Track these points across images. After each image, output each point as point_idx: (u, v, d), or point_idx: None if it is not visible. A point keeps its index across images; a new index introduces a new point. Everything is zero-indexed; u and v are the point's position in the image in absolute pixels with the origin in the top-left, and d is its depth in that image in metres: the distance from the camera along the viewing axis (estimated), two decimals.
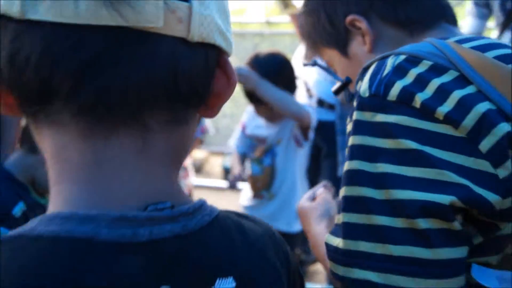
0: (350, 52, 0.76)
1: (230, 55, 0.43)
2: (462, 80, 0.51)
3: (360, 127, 0.54)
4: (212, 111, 0.43)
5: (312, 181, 2.09)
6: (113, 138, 0.36)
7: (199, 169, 4.07)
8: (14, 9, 0.32)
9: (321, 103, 2.27)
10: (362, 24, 0.72)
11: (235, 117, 4.26)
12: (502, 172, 0.48)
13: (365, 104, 0.54)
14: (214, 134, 4.29)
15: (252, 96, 1.75)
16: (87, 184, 0.37)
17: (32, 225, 0.35)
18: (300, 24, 0.85)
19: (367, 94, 0.54)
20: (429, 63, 0.53)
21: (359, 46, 0.74)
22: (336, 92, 0.78)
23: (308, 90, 2.30)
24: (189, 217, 0.39)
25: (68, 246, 0.34)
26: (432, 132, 0.50)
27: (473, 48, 0.56)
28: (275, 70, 1.76)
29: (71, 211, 0.35)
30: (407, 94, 0.51)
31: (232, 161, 2.08)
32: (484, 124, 0.49)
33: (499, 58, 0.54)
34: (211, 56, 0.39)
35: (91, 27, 0.33)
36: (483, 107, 0.49)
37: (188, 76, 0.37)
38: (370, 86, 0.54)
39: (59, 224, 0.34)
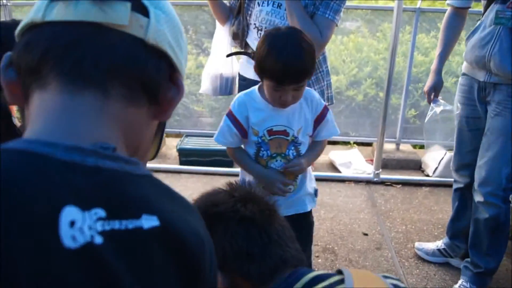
0: None
1: (182, 75, 0.60)
2: None
3: None
4: (165, 114, 0.59)
5: None
6: (79, 95, 0.50)
7: None
8: (39, 16, 0.51)
9: None
10: (219, 280, 0.86)
11: (192, 96, 4.05)
12: None
13: None
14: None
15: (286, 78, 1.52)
16: (53, 123, 0.49)
17: (5, 144, 0.45)
18: None
19: None
20: None
21: None
22: None
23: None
24: (125, 163, 0.49)
25: (31, 158, 0.44)
26: None
27: None
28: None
29: (37, 137, 0.47)
30: None
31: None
32: None
33: None
34: (163, 64, 0.56)
35: (79, 22, 0.50)
36: None
37: (142, 66, 0.53)
38: None
39: (26, 144, 0.46)
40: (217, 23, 2.34)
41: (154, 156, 0.70)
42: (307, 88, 1.74)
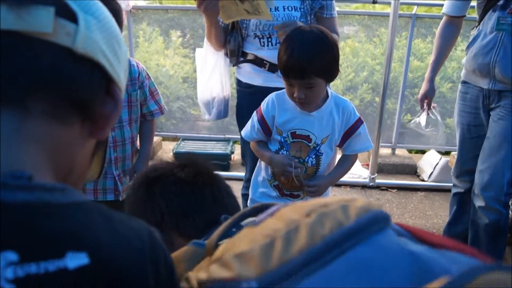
0: None
1: (120, 87, 0.54)
2: None
3: None
4: (103, 132, 0.53)
5: None
6: None
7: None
8: None
9: None
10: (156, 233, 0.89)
11: (189, 100, 4.05)
12: None
13: None
14: (166, 119, 4.06)
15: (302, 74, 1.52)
16: None
17: None
18: None
19: None
20: None
21: None
22: None
23: (270, 65, 2.15)
24: (46, 192, 0.42)
25: None
26: None
27: None
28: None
29: None
30: None
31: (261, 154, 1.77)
32: None
33: None
34: (96, 75, 0.49)
35: None
36: None
37: (68, 79, 0.46)
38: None
39: None
40: (204, 50, 2.31)
41: (98, 176, 0.66)
42: (343, 98, 1.76)
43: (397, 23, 3.23)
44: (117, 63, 0.53)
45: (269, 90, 2.14)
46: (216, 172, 1.02)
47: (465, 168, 2.37)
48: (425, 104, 2.50)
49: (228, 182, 1.10)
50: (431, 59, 2.45)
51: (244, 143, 2.36)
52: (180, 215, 0.91)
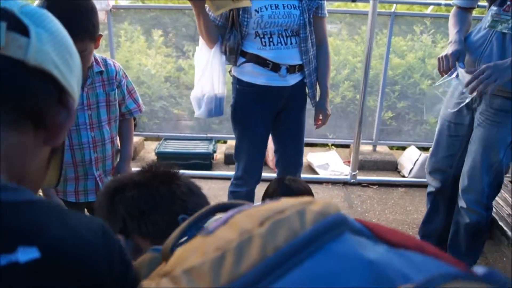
0: None
1: (74, 98, 0.56)
2: None
3: None
4: (56, 140, 0.55)
5: None
6: None
7: (133, 155, 3.83)
8: None
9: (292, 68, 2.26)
10: (121, 240, 0.86)
11: (171, 99, 4.05)
12: None
13: None
14: (149, 119, 4.05)
15: None
16: None
17: None
18: None
19: None
20: None
21: None
22: None
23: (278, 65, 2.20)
24: None
25: None
26: None
27: None
28: None
29: None
30: None
31: None
32: None
33: None
34: (48, 86, 0.52)
35: None
36: None
37: (20, 89, 0.49)
38: None
39: None
40: (199, 47, 2.28)
41: (57, 183, 0.68)
42: None
43: (375, 21, 3.27)
44: (69, 74, 0.55)
45: (271, 89, 2.19)
46: (178, 171, 1.02)
47: (438, 166, 2.38)
48: (456, 63, 2.01)
49: (211, 181, 1.10)
50: (452, 32, 2.12)
51: (240, 142, 2.35)
52: (139, 216, 0.92)
